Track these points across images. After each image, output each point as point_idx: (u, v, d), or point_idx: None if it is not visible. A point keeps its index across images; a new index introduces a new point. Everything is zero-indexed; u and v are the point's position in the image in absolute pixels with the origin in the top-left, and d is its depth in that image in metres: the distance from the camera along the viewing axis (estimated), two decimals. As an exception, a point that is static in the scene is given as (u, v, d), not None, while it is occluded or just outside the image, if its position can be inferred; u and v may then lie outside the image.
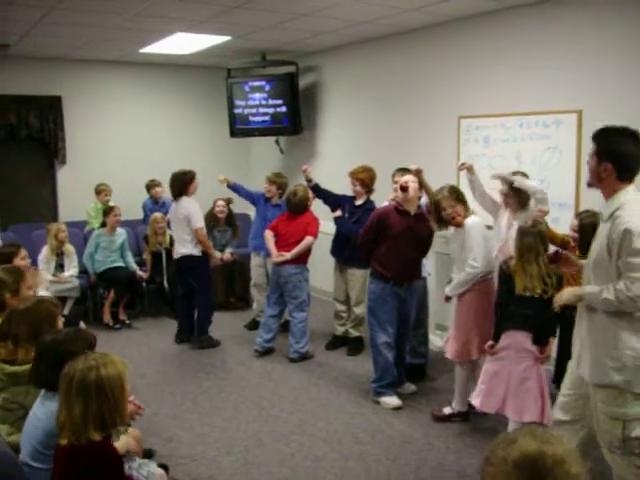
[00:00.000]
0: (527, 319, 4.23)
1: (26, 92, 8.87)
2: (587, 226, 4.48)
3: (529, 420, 4.20)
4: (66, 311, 7.11)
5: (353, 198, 6.60)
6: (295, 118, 8.86)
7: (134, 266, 8.13)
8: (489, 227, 5.27)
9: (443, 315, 6.82)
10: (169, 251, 7.94)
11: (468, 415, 5.05)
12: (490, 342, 4.45)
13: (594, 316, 3.32)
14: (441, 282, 6.60)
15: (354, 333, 6.84)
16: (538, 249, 4.14)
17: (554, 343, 4.47)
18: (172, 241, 7.69)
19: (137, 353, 6.82)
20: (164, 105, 10.01)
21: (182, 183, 6.90)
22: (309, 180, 6.76)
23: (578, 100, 5.68)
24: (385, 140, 7.86)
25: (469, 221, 4.96)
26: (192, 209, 6.85)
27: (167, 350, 7.02)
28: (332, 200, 6.80)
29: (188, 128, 10.19)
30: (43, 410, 2.90)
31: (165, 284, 8.14)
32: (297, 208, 6.58)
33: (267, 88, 8.95)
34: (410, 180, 5.31)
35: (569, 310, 4.44)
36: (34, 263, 6.82)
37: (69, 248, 7.76)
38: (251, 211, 8.02)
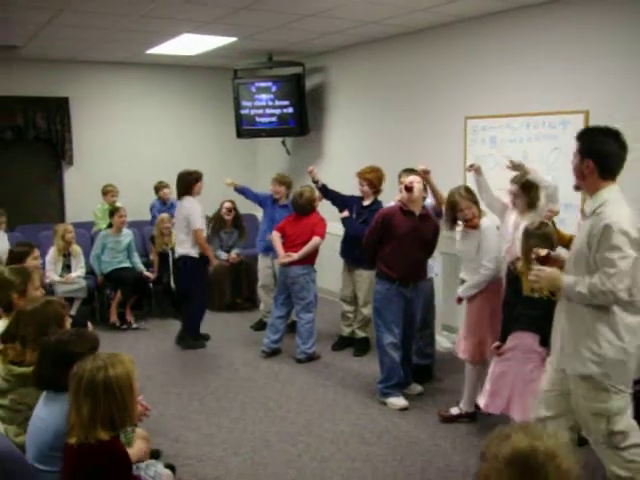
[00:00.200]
0: (534, 320, 4.21)
1: (33, 93, 8.90)
2: None
3: (535, 421, 4.19)
4: (73, 312, 7.13)
5: (361, 199, 6.60)
6: (302, 119, 8.86)
7: (141, 267, 8.14)
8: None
9: (450, 316, 6.83)
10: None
11: (475, 416, 5.04)
12: (497, 343, 4.44)
13: (573, 307, 3.39)
14: (448, 283, 6.61)
15: (360, 334, 6.84)
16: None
17: None
18: (178, 241, 7.69)
19: (144, 354, 6.82)
20: (171, 106, 10.03)
21: (187, 183, 6.90)
22: (316, 181, 6.76)
23: (585, 100, 5.67)
24: (392, 141, 7.85)
25: (485, 223, 4.96)
26: (192, 210, 6.83)
27: (174, 351, 7.02)
28: (340, 201, 6.80)
29: (195, 129, 10.21)
30: (46, 412, 2.90)
31: (172, 285, 8.15)
32: (303, 209, 6.59)
33: (274, 89, 8.95)
34: (415, 180, 5.30)
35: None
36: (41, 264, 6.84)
37: (76, 249, 7.78)
38: (258, 212, 8.03)
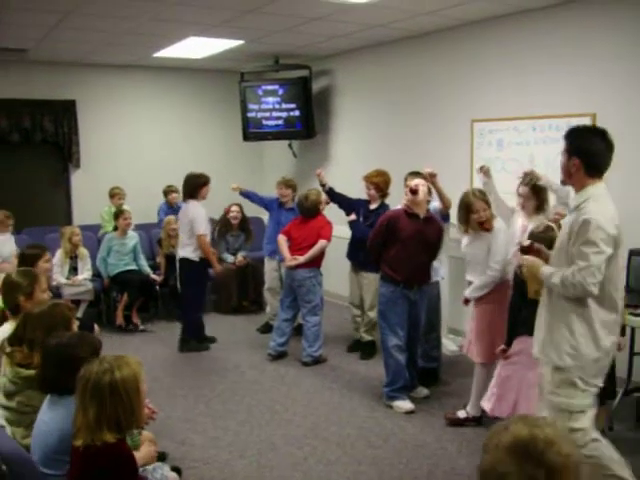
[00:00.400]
0: None
1: (41, 96, 8.93)
2: None
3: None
4: (80, 314, 7.15)
5: (368, 202, 6.60)
6: (308, 122, 8.87)
7: (147, 269, 8.15)
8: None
9: (456, 319, 6.82)
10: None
11: (482, 419, 5.03)
12: (502, 347, 4.44)
13: (554, 300, 3.47)
14: (454, 286, 6.60)
15: (366, 337, 6.83)
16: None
17: None
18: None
19: (150, 356, 6.82)
20: (177, 109, 10.05)
21: (194, 186, 6.89)
22: (323, 184, 6.76)
23: (591, 103, 5.67)
24: (398, 144, 7.85)
25: (497, 225, 4.95)
26: (197, 214, 6.82)
27: (180, 353, 7.02)
28: (346, 204, 6.80)
29: (201, 132, 10.23)
30: (50, 415, 2.90)
31: (178, 287, 8.15)
32: (309, 212, 6.59)
33: (280, 92, 8.96)
34: (420, 183, 5.31)
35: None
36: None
37: (83, 251, 7.79)
38: (264, 215, 8.03)
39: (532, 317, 4.22)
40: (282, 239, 6.66)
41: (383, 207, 6.42)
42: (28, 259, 5.12)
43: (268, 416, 5.34)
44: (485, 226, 4.94)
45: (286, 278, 6.73)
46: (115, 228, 8.11)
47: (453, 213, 5.90)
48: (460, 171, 6.85)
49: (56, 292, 7.11)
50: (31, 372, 3.22)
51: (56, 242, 7.73)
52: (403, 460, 4.53)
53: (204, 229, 6.84)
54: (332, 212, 6.93)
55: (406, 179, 5.90)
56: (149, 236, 9.04)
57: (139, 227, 8.74)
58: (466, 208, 4.94)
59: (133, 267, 8.04)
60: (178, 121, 10.06)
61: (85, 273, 7.73)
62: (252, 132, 9.34)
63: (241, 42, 7.73)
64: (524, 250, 3.75)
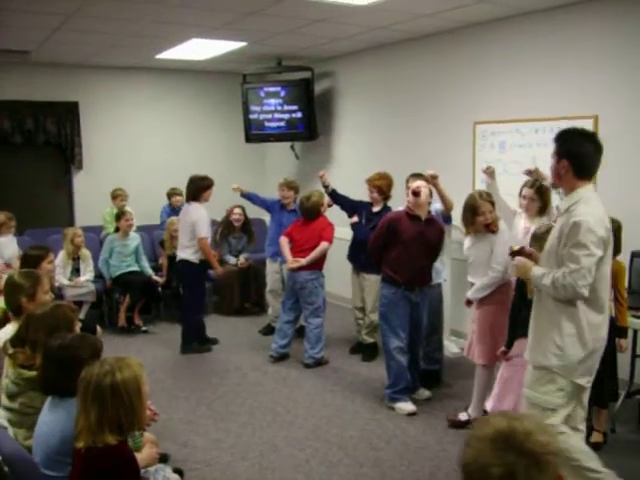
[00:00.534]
0: None
1: (43, 98, 8.95)
2: None
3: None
4: (82, 315, 7.15)
5: (370, 204, 6.60)
6: (310, 124, 8.87)
7: (149, 271, 8.16)
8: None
9: (458, 321, 6.82)
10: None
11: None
12: (502, 349, 4.44)
13: (543, 300, 3.52)
14: (456, 288, 6.60)
15: (368, 339, 6.83)
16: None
17: None
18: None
19: (152, 358, 6.83)
20: (180, 111, 10.06)
21: (198, 188, 6.89)
22: (326, 186, 6.76)
23: (593, 105, 5.67)
24: (400, 146, 7.86)
25: (502, 227, 4.96)
26: (199, 217, 6.81)
27: (182, 355, 7.02)
28: (349, 206, 6.81)
29: (203, 133, 10.24)
30: (51, 417, 2.90)
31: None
32: (310, 213, 6.58)
33: (282, 94, 8.97)
34: (422, 185, 5.31)
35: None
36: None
37: (85, 253, 7.80)
38: (266, 216, 8.03)
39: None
40: (284, 241, 6.66)
41: (386, 210, 6.41)
42: (31, 260, 5.12)
43: (270, 418, 5.34)
44: (491, 228, 4.93)
45: (288, 280, 6.73)
46: (117, 229, 8.11)
47: (455, 215, 5.93)
48: (462, 173, 6.85)
49: (58, 293, 7.12)
50: (33, 373, 3.22)
51: (58, 243, 7.72)
52: (405, 462, 4.53)
53: (206, 232, 6.84)
54: (334, 214, 6.93)
55: (408, 181, 5.90)
56: (151, 238, 9.05)
57: (141, 229, 8.75)
58: (472, 210, 4.93)
59: (135, 268, 8.05)
60: (180, 123, 10.08)
61: (87, 274, 7.74)
62: (254, 134, 9.35)
63: (243, 44, 7.73)
64: (514, 254, 3.80)
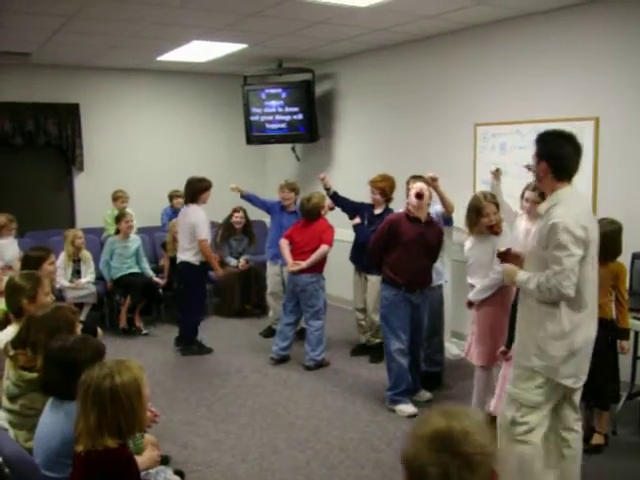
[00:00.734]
0: None
1: (44, 99, 8.95)
2: (609, 233, 4.46)
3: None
4: (83, 317, 7.15)
5: (372, 206, 6.60)
6: (311, 125, 8.87)
7: (150, 272, 8.15)
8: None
9: (459, 323, 6.81)
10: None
11: (484, 424, 5.01)
12: (502, 349, 4.44)
13: (527, 302, 3.56)
14: (457, 290, 6.59)
15: (374, 340, 6.80)
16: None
17: None
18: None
19: (152, 359, 6.83)
20: (181, 112, 10.06)
21: (196, 189, 6.89)
22: (327, 188, 6.76)
23: (594, 107, 5.68)
24: (401, 147, 7.86)
25: (505, 229, 4.96)
26: (198, 219, 6.81)
27: (182, 356, 7.02)
28: (350, 208, 6.80)
29: (204, 135, 10.24)
30: (52, 418, 2.90)
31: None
32: (310, 214, 6.58)
33: (283, 95, 8.97)
34: (424, 188, 5.31)
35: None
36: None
37: (86, 254, 7.80)
38: (267, 218, 8.03)
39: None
40: (284, 243, 6.66)
41: (387, 212, 6.40)
42: (32, 261, 5.12)
43: (270, 419, 5.34)
44: (495, 229, 4.93)
45: (289, 283, 6.72)
46: (117, 231, 8.11)
47: (456, 216, 5.93)
48: (463, 175, 6.85)
49: (59, 295, 7.12)
50: (34, 375, 3.22)
51: (59, 245, 7.71)
52: (406, 464, 4.52)
53: (206, 234, 6.83)
54: (335, 216, 6.93)
55: (408, 183, 5.91)
56: (152, 239, 9.06)
57: (142, 230, 8.74)
58: (476, 211, 4.93)
59: (136, 270, 8.04)
60: (181, 124, 10.08)
61: (88, 276, 7.74)
62: (255, 135, 9.35)
63: (244, 46, 7.74)
64: (501, 256, 3.84)
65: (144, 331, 7.89)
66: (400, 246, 5.29)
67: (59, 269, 7.42)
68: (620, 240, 4.52)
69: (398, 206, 6.20)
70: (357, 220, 6.64)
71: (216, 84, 10.16)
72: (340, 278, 7.75)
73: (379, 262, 5.51)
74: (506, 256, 3.82)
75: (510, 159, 6.41)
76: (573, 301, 3.38)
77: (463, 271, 6.10)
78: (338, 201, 6.83)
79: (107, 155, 9.50)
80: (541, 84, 6.12)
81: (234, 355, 7.04)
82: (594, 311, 3.55)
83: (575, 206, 3.43)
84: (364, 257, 6.41)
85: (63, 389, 2.89)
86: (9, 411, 3.34)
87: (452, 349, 6.74)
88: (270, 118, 9.14)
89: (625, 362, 4.88)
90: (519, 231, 5.06)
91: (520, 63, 6.32)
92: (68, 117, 9.15)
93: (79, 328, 3.61)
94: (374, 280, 6.48)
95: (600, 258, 4.50)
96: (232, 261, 8.55)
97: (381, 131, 8.27)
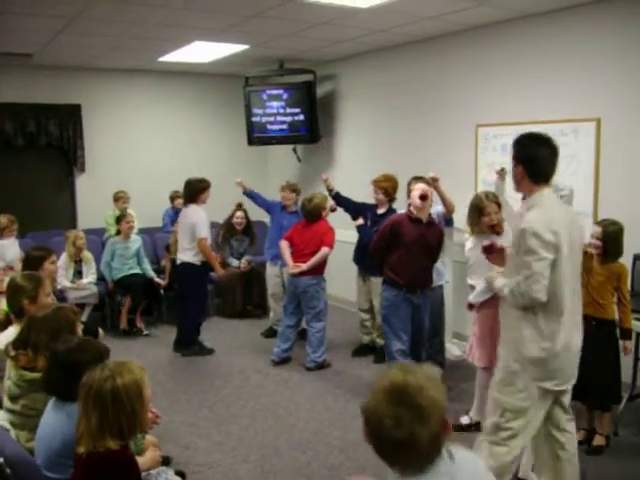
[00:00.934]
0: None
1: (46, 100, 8.95)
2: (611, 234, 4.48)
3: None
4: (84, 318, 7.14)
5: (375, 206, 6.59)
6: (312, 126, 8.88)
7: (151, 273, 8.15)
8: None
9: (460, 323, 6.81)
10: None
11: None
12: None
13: (505, 307, 3.58)
14: (458, 290, 6.59)
15: (380, 341, 6.78)
16: None
17: None
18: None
19: (153, 360, 6.83)
20: (182, 113, 10.06)
21: (194, 190, 6.91)
22: (330, 190, 6.76)
23: (596, 108, 5.67)
24: (402, 148, 7.86)
25: (506, 228, 4.95)
26: (198, 218, 6.82)
27: (184, 357, 7.02)
28: (353, 208, 6.80)
29: (206, 136, 10.24)
30: (54, 419, 2.90)
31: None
32: (310, 215, 6.57)
33: (285, 96, 8.98)
34: (428, 189, 5.32)
35: (589, 321, 4.43)
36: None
37: (87, 255, 7.80)
38: (268, 218, 8.03)
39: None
40: (284, 245, 6.65)
41: (391, 212, 6.38)
42: (33, 261, 5.12)
43: (272, 421, 5.34)
44: (496, 229, 4.92)
45: (289, 285, 6.71)
46: (118, 232, 8.11)
47: (457, 217, 5.93)
48: (464, 176, 6.85)
49: (60, 296, 7.12)
50: (35, 375, 3.22)
51: (61, 246, 7.71)
52: (407, 465, 4.52)
53: (205, 233, 6.84)
54: (338, 216, 6.93)
55: (409, 184, 5.91)
56: (153, 240, 9.06)
57: (143, 231, 8.74)
58: (478, 210, 4.92)
59: (137, 271, 8.04)
60: (183, 125, 10.08)
61: (89, 277, 7.74)
62: (256, 136, 9.35)
63: (246, 47, 7.74)
64: (486, 249, 3.87)
65: (145, 332, 7.90)
66: (401, 247, 5.30)
67: (60, 270, 7.42)
68: (621, 241, 4.53)
69: (400, 206, 6.20)
70: (360, 221, 6.63)
71: (217, 85, 10.16)
72: (341, 279, 7.75)
73: (380, 263, 5.51)
74: (490, 249, 3.84)
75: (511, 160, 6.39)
76: (552, 306, 3.35)
77: (464, 272, 6.09)
78: (341, 202, 6.83)
79: (108, 156, 9.50)
80: (542, 85, 6.12)
81: (235, 356, 7.04)
82: (575, 318, 3.50)
83: (550, 210, 3.40)
84: (367, 258, 6.40)
85: (65, 390, 2.89)
86: (10, 411, 3.34)
87: (453, 350, 6.73)
88: (271, 119, 9.14)
89: (627, 363, 4.87)
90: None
91: (521, 64, 6.32)
92: (70, 118, 9.16)
93: (80, 329, 3.61)
94: (378, 282, 6.47)
95: (601, 259, 4.53)
96: (234, 262, 8.55)
97: (382, 132, 8.27)
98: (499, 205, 4.96)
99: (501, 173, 5.32)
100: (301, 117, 8.92)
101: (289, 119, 9.03)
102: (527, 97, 6.27)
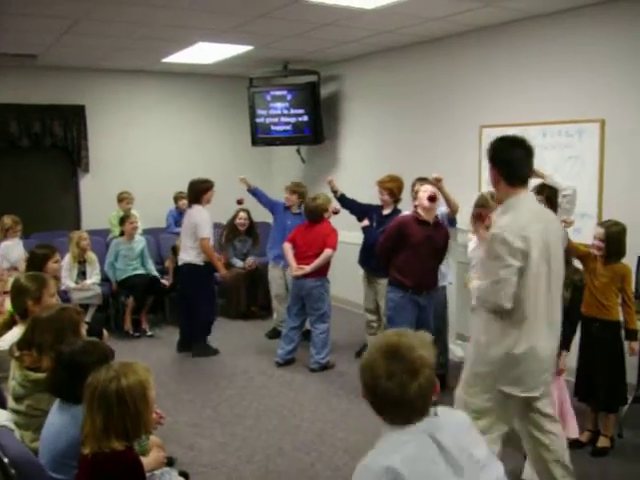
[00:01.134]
0: None
1: (50, 101, 8.96)
2: (614, 234, 4.47)
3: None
4: (88, 319, 7.14)
5: (380, 207, 6.57)
6: (317, 127, 8.88)
7: (155, 273, 8.16)
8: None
9: (464, 324, 6.79)
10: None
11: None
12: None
13: (478, 310, 3.59)
14: (461, 291, 6.58)
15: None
16: None
17: (566, 356, 4.39)
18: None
19: (157, 361, 6.82)
20: (186, 114, 10.07)
21: (198, 191, 6.91)
22: (335, 191, 6.75)
23: (600, 109, 5.67)
24: (407, 149, 7.85)
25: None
26: (200, 218, 6.83)
27: (187, 358, 7.03)
28: (358, 210, 6.77)
29: (210, 137, 10.24)
30: (59, 419, 2.90)
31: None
32: (312, 214, 6.57)
33: (289, 97, 8.98)
34: (436, 191, 5.32)
35: (593, 323, 4.43)
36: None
37: (91, 256, 7.81)
38: (271, 219, 8.02)
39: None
40: (287, 247, 6.65)
41: (396, 213, 6.35)
42: (37, 259, 5.13)
43: (276, 421, 5.34)
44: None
45: (293, 287, 6.71)
46: (122, 233, 8.12)
47: (460, 217, 5.92)
48: (469, 177, 6.85)
49: (65, 296, 7.12)
50: (40, 375, 3.22)
51: (65, 247, 7.70)
52: (411, 466, 4.51)
53: (207, 233, 6.84)
54: (342, 218, 6.91)
55: (414, 185, 5.91)
56: (157, 241, 9.06)
57: (147, 232, 8.75)
58: (482, 209, 4.92)
59: (141, 271, 8.04)
60: (187, 126, 10.08)
61: (93, 277, 7.75)
62: (260, 137, 9.36)
63: (250, 48, 7.74)
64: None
65: (149, 332, 7.90)
66: (408, 248, 5.30)
67: (64, 270, 7.43)
68: (624, 241, 4.52)
69: (406, 207, 6.20)
70: (366, 222, 6.61)
71: (221, 86, 10.16)
72: (345, 280, 7.74)
73: (387, 264, 5.50)
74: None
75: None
76: (515, 312, 3.31)
77: (467, 272, 6.11)
78: (346, 204, 6.82)
79: (112, 157, 9.51)
80: (547, 86, 6.12)
81: (240, 356, 7.04)
82: (545, 322, 3.40)
83: (524, 214, 3.36)
84: (373, 260, 6.39)
85: (70, 391, 2.89)
86: (15, 412, 3.33)
87: (456, 351, 6.72)
88: (275, 120, 9.14)
89: (632, 364, 4.86)
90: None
91: (526, 65, 6.31)
92: (74, 119, 9.17)
93: (84, 329, 3.61)
94: (384, 283, 6.47)
95: (604, 259, 4.52)
96: (238, 262, 8.55)
97: (387, 133, 8.26)
98: None
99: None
100: (305, 118, 8.92)
101: (293, 120, 9.03)
102: (532, 98, 6.27)
